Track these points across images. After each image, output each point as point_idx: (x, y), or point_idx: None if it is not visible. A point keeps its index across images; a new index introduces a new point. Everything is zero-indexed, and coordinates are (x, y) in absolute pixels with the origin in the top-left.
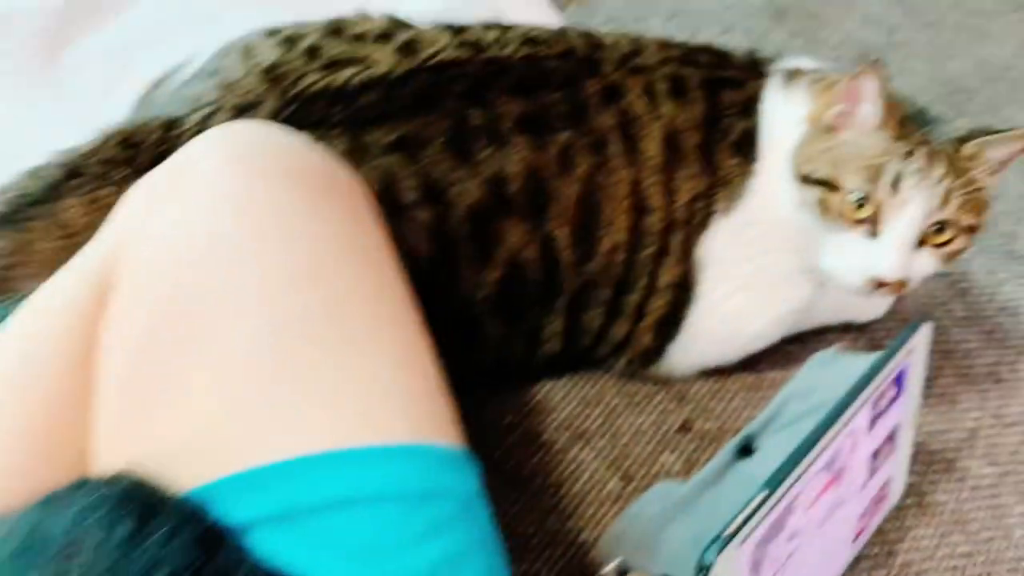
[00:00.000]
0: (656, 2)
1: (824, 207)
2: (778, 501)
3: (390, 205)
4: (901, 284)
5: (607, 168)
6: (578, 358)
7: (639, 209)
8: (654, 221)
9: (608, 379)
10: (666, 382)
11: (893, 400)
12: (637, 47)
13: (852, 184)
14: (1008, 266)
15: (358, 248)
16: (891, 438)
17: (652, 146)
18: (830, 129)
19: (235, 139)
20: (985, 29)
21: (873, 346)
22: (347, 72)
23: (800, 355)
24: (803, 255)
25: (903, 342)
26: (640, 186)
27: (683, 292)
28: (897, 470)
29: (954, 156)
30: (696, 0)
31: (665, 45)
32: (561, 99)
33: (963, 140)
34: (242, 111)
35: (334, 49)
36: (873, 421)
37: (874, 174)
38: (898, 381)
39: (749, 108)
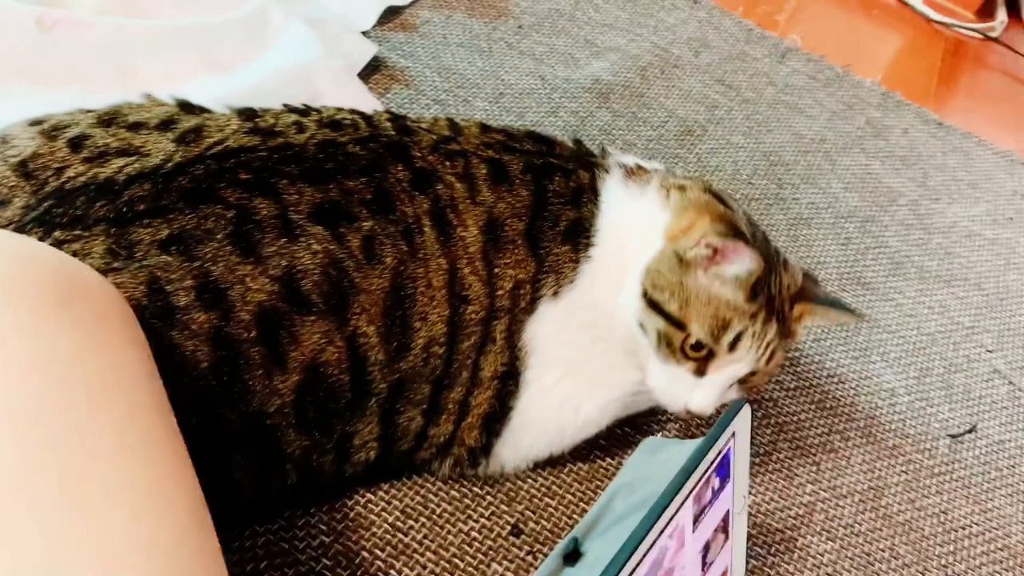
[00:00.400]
0: (481, 84)
1: (663, 338)
2: None
3: (161, 309)
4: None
5: (419, 258)
6: (398, 464)
7: (458, 298)
8: (475, 310)
9: (432, 484)
10: (496, 482)
11: (719, 489)
12: (455, 131)
13: (696, 331)
14: (833, 333)
15: (96, 371)
16: (722, 527)
17: (471, 233)
18: (687, 262)
19: None
20: (798, 105)
21: (706, 423)
22: (115, 164)
23: (633, 439)
24: (630, 351)
25: (723, 428)
26: (458, 275)
27: (509, 382)
28: (735, 558)
29: (786, 316)
30: (522, 82)
31: (487, 129)
32: (364, 186)
33: (794, 299)
34: None
35: (104, 139)
36: (699, 514)
37: (719, 329)
38: (722, 468)
39: (579, 197)
